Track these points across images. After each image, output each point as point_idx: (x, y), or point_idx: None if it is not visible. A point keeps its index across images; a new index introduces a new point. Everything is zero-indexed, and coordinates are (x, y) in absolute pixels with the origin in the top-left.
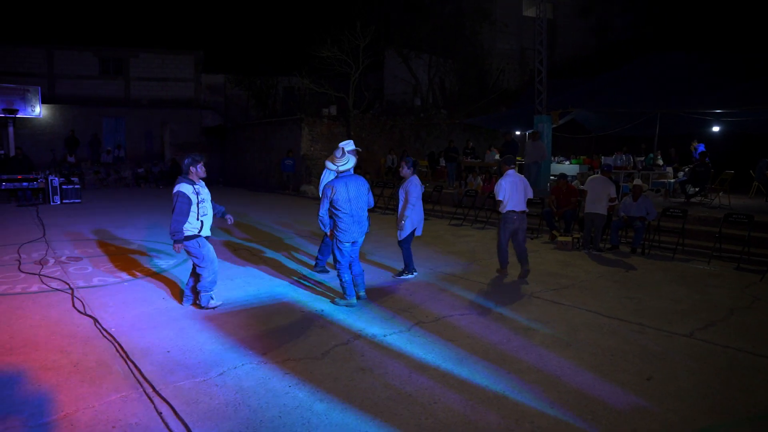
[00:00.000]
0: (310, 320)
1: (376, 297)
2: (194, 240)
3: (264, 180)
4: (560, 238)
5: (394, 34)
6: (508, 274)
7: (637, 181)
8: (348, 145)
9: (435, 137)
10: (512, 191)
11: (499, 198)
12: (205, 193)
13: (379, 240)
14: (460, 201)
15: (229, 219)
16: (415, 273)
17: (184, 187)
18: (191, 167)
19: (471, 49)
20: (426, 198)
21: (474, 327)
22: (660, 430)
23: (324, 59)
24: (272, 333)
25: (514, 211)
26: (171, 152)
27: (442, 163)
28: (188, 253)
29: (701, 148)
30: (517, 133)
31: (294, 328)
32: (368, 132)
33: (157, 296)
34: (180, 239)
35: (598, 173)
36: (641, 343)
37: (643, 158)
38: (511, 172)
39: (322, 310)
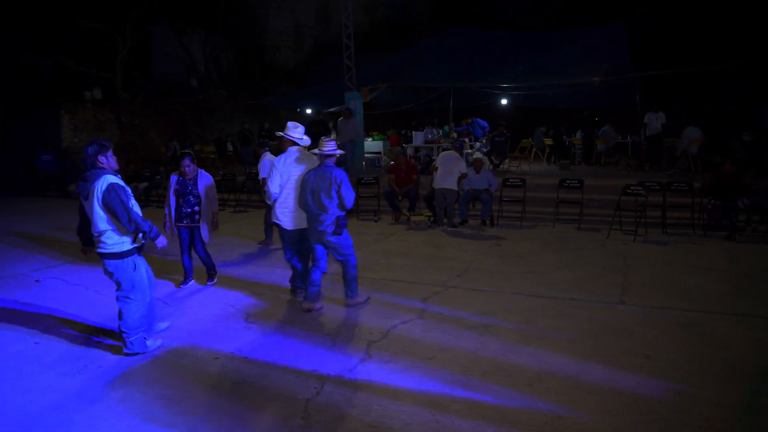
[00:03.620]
0: (234, 371)
1: (267, 317)
2: (128, 259)
3: (13, 182)
4: (414, 218)
5: (167, 5)
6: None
7: (477, 154)
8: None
9: (217, 120)
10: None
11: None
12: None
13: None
14: None
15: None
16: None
17: (114, 179)
18: (99, 156)
19: (248, 25)
20: (220, 187)
21: (432, 335)
22: (714, 411)
23: (83, 31)
24: (206, 404)
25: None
26: None
27: (230, 148)
28: (110, 275)
29: (481, 122)
30: (308, 111)
31: (232, 390)
32: (142, 118)
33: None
34: (156, 232)
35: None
36: (594, 319)
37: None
38: (267, 153)
39: (240, 350)
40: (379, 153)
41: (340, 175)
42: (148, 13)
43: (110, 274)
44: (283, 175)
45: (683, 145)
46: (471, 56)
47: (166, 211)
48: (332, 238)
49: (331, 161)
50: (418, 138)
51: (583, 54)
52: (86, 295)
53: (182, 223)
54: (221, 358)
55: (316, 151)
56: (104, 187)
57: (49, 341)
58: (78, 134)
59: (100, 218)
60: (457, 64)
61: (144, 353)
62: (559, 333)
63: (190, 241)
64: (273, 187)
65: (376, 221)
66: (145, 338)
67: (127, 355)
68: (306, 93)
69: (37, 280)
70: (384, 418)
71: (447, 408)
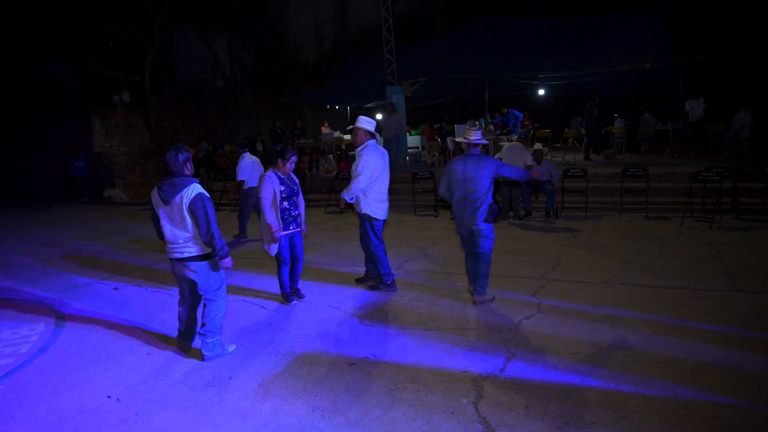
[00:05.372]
0: (379, 377)
1: (381, 317)
2: (212, 261)
3: (45, 190)
4: None
5: (189, 7)
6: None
7: (538, 145)
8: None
9: (244, 121)
10: (251, 171)
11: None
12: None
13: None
14: (332, 186)
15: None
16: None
17: (201, 188)
18: (188, 164)
19: (269, 25)
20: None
21: (563, 329)
22: None
23: (112, 37)
24: (370, 415)
25: (252, 188)
26: None
27: (260, 147)
28: (189, 281)
29: (516, 113)
30: (336, 107)
31: (392, 398)
32: (171, 120)
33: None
34: (226, 252)
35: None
36: (720, 308)
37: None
38: (246, 154)
39: (375, 355)
40: (417, 148)
41: (494, 159)
42: (172, 15)
43: (191, 278)
44: (376, 169)
45: (734, 130)
46: (506, 46)
47: (272, 220)
48: (483, 225)
49: (477, 150)
50: (461, 131)
51: (624, 40)
52: (173, 300)
53: (289, 229)
54: (357, 363)
55: (462, 139)
56: (193, 195)
57: (161, 351)
58: (109, 139)
59: (186, 224)
60: (493, 55)
61: (222, 355)
62: (692, 322)
63: (292, 249)
64: (365, 182)
65: (435, 216)
66: (222, 341)
67: (205, 358)
68: (340, 89)
69: (115, 288)
70: (565, 417)
71: (623, 405)
